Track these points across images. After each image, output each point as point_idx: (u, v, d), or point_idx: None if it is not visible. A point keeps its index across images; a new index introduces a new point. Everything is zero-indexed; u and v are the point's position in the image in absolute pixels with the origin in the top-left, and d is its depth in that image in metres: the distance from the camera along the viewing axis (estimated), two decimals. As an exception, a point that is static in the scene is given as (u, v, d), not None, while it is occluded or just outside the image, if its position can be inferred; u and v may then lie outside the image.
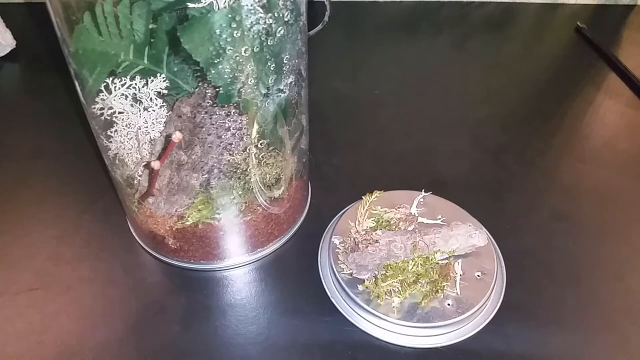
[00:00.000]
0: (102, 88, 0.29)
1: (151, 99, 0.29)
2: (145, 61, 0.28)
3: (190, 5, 0.26)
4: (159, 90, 0.29)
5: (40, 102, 0.59)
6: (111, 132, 0.32)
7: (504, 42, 0.72)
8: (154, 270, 0.40)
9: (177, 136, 0.30)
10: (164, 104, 0.30)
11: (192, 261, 0.40)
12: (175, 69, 0.28)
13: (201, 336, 0.36)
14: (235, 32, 0.27)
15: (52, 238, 0.43)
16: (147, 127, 0.31)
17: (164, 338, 0.36)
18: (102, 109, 0.30)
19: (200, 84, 0.30)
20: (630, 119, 0.57)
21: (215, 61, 0.28)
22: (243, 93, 0.30)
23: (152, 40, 0.27)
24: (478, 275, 0.37)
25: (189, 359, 0.35)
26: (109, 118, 0.31)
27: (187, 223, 0.37)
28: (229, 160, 0.33)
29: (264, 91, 0.31)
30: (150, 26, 0.26)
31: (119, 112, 0.30)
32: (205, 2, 0.26)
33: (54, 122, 0.55)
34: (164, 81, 0.28)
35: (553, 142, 0.53)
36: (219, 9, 0.26)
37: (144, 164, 0.33)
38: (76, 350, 0.35)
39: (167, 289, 0.39)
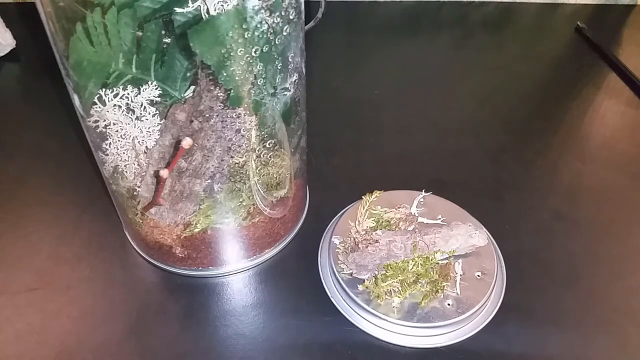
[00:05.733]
0: (96, 100, 0.29)
1: (144, 108, 0.29)
2: (134, 69, 0.28)
3: (178, 10, 0.25)
4: (151, 98, 0.29)
5: (40, 102, 0.59)
6: (106, 144, 0.32)
7: (504, 42, 0.72)
8: (154, 270, 0.40)
9: (187, 142, 0.30)
10: (157, 112, 0.29)
11: (200, 268, 0.39)
12: (163, 76, 0.28)
13: (201, 336, 0.36)
14: (246, 33, 0.27)
15: (52, 238, 0.43)
16: (142, 137, 0.31)
17: (164, 338, 0.36)
18: (97, 121, 0.30)
19: (193, 90, 0.29)
20: (630, 119, 0.57)
21: (227, 63, 0.28)
22: (253, 94, 0.30)
23: (139, 48, 0.27)
24: (478, 275, 0.37)
25: (189, 359, 0.35)
26: (104, 130, 0.31)
27: (196, 230, 0.36)
28: (236, 163, 0.33)
29: (271, 91, 0.31)
30: (138, 33, 0.26)
31: (114, 123, 0.30)
32: (192, 7, 0.25)
33: (54, 122, 0.55)
34: (155, 89, 0.28)
35: (553, 142, 0.53)
36: (208, 13, 0.26)
37: (151, 173, 0.33)
38: (76, 350, 0.35)
39: (167, 289, 0.39)
